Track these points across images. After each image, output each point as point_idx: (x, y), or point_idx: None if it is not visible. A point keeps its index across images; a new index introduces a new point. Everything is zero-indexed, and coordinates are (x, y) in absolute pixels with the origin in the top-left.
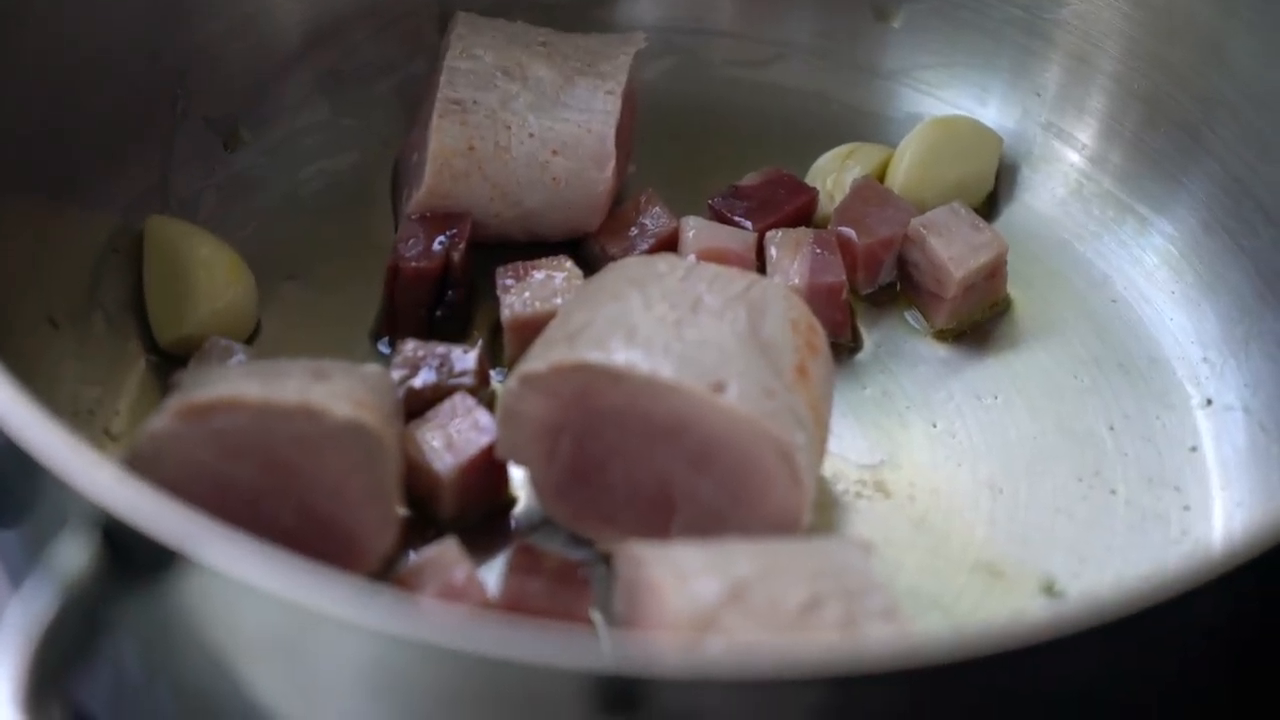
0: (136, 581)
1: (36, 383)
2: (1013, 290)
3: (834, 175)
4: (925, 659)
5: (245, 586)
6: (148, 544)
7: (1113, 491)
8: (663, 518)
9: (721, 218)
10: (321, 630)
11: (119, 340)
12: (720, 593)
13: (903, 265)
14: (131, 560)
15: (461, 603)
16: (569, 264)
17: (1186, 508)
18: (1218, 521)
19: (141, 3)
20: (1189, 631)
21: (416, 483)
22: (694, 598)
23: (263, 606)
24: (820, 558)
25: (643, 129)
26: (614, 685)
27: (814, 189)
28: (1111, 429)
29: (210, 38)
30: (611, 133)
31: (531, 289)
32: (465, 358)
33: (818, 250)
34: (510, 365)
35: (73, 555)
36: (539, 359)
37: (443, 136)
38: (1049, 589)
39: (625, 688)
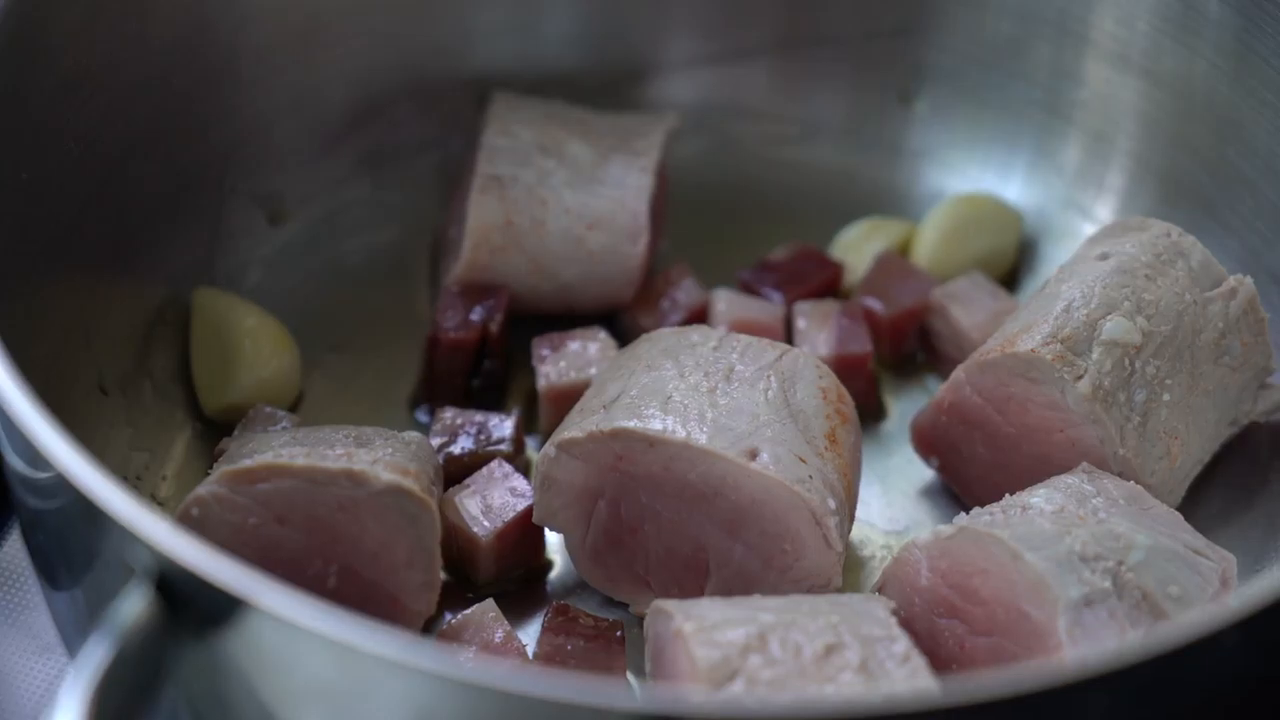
0: (192, 632)
1: (88, 447)
2: None
3: (857, 249)
4: (943, 701)
5: (301, 631)
6: (206, 592)
7: None
8: (696, 580)
9: (751, 290)
10: (374, 673)
11: (167, 408)
12: (743, 640)
13: (925, 335)
14: (187, 611)
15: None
16: (603, 335)
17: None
18: None
19: (191, 79)
20: (1193, 685)
21: (455, 547)
22: (718, 645)
23: (316, 651)
24: (841, 608)
25: (675, 205)
26: None
27: (840, 263)
28: None
29: (257, 115)
30: (645, 208)
31: (567, 359)
32: (502, 425)
33: (845, 321)
34: (545, 433)
35: (130, 608)
36: (576, 426)
37: (481, 211)
38: None
39: None
